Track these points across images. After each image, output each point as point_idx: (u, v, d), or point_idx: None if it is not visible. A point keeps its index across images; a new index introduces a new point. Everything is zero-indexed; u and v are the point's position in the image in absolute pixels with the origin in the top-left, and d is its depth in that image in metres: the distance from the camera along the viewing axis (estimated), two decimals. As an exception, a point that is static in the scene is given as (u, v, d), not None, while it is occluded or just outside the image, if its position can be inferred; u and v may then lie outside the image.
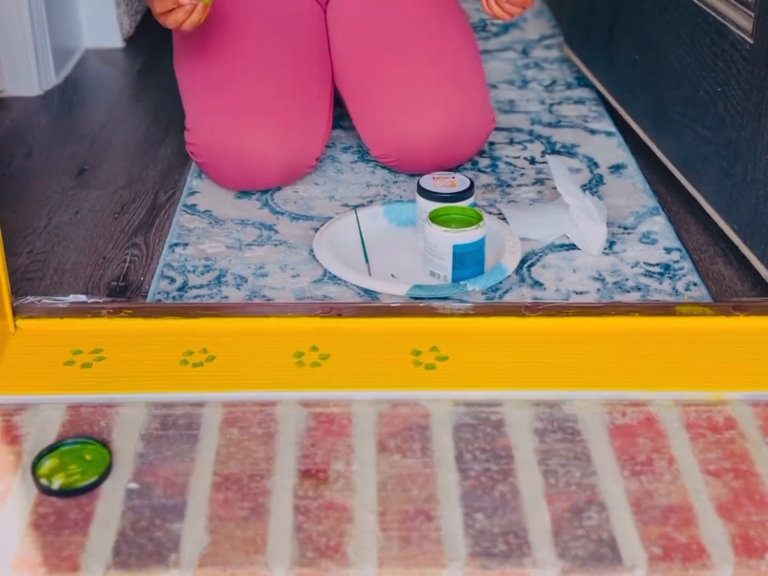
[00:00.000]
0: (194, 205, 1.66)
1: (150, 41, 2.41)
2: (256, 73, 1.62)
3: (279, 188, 1.71)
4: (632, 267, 1.49)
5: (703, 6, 1.56)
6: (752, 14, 1.42)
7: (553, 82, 2.13)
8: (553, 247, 1.54)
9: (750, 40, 1.42)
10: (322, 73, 1.67)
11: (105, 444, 1.11)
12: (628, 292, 1.43)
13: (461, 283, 1.41)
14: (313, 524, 1.02)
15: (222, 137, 1.59)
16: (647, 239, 1.57)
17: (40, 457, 1.09)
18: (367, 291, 1.43)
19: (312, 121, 1.65)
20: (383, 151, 1.67)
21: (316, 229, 1.57)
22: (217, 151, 1.60)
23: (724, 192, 1.53)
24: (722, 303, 1.38)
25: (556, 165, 1.58)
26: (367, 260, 1.50)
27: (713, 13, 1.53)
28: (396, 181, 1.72)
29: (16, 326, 1.31)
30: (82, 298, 1.41)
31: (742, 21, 1.45)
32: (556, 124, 1.94)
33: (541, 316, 1.32)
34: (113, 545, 1.00)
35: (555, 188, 1.57)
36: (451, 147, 1.63)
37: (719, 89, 1.52)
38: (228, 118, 1.59)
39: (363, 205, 1.64)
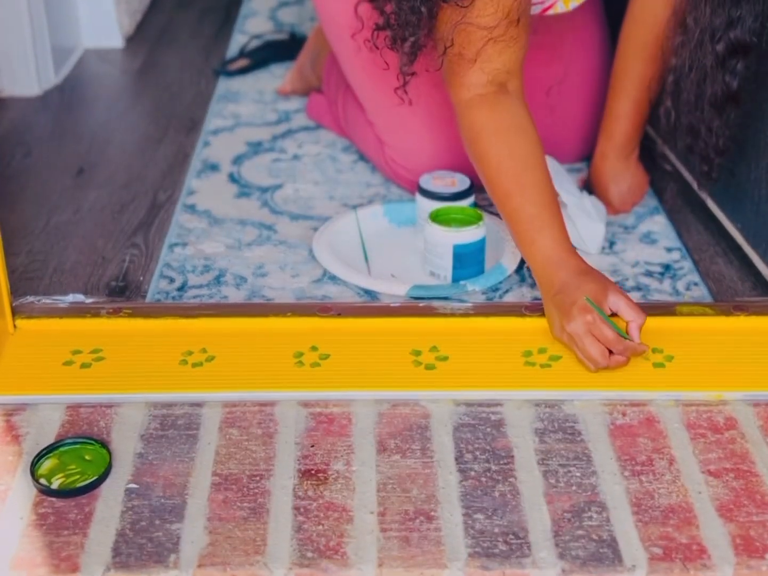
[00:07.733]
0: (193, 205, 1.66)
1: (149, 41, 2.41)
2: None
3: (279, 187, 1.71)
4: (632, 267, 1.49)
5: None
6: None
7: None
8: (553, 247, 1.53)
9: (754, 39, 1.42)
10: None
11: (104, 444, 1.11)
12: (629, 291, 1.43)
13: (461, 283, 1.41)
14: (313, 524, 1.02)
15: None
16: (647, 239, 1.56)
17: (40, 457, 1.09)
18: (367, 291, 1.42)
19: None
20: None
21: (316, 229, 1.57)
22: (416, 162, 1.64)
23: (728, 191, 1.53)
24: (723, 303, 1.38)
25: (553, 165, 1.58)
26: (366, 260, 1.50)
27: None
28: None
29: (15, 326, 1.31)
30: (82, 297, 1.40)
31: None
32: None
33: (541, 316, 1.32)
34: (113, 545, 0.99)
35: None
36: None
37: (724, 88, 1.51)
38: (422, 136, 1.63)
39: (363, 205, 1.64)
